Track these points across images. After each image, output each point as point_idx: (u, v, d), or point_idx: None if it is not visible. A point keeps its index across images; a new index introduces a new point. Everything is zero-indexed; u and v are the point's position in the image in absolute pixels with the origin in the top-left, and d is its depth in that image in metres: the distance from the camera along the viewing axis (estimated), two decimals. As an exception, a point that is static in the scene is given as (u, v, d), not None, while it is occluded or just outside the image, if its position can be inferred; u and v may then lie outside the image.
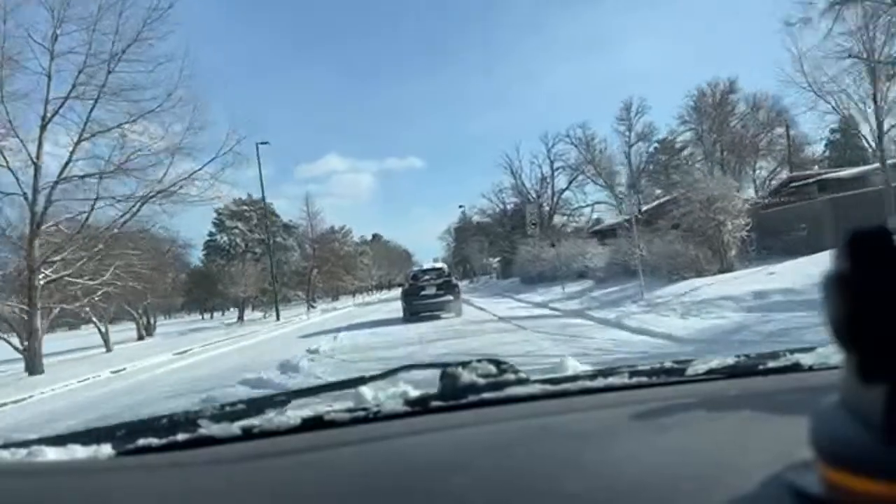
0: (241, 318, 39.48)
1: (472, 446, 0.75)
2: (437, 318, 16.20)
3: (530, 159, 55.14)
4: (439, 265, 19.65)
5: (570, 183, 41.31)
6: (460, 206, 59.58)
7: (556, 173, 43.08)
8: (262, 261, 42.46)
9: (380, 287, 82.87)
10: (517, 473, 0.62)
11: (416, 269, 20.34)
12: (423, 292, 16.92)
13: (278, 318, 28.31)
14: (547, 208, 41.94)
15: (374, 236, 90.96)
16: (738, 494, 0.47)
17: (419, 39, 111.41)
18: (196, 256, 41.13)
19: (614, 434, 0.73)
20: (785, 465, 0.45)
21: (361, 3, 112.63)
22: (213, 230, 43.87)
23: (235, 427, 0.88)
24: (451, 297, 16.57)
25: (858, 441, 0.34)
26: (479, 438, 0.78)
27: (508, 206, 47.03)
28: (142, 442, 0.86)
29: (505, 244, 42.75)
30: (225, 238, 42.81)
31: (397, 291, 60.89)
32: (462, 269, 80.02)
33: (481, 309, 18.53)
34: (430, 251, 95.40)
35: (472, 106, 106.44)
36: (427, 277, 17.70)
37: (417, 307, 16.65)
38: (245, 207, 42.61)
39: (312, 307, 48.65)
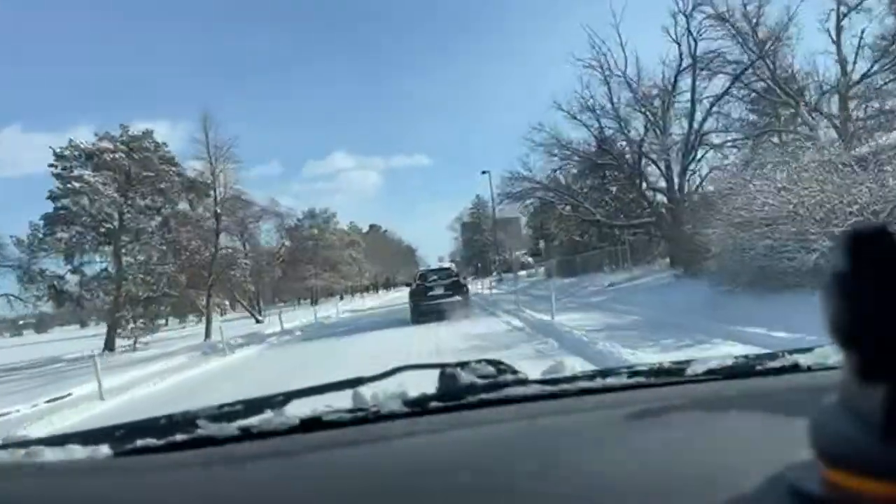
0: (109, 347, 21.60)
1: (470, 447, 0.74)
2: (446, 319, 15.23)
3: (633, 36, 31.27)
4: (447, 265, 20.28)
5: (732, 85, 20.78)
6: (484, 172, 40.34)
7: (699, 67, 20.43)
8: (142, 244, 23.98)
9: (375, 287, 65.68)
10: (516, 474, 0.62)
11: (423, 269, 20.30)
12: (430, 293, 16.65)
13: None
14: (677, 140, 20.07)
15: (372, 227, 74.59)
16: (738, 495, 0.47)
17: (429, 35, 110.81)
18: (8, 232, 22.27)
19: (613, 435, 0.73)
20: (785, 465, 0.45)
21: (370, 3, 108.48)
22: (57, 188, 24.28)
23: (233, 427, 0.87)
24: (459, 298, 16.39)
25: (858, 441, 0.34)
26: (477, 439, 0.77)
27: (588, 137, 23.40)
28: (140, 442, 0.85)
29: (602, 200, 23.06)
30: (77, 201, 23.16)
31: (396, 294, 41.33)
32: (478, 266, 62.86)
33: None
34: (437, 247, 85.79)
35: (481, 103, 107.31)
36: (435, 278, 17.44)
37: (425, 308, 16.23)
38: (107, 146, 23.18)
39: (259, 321, 29.99)
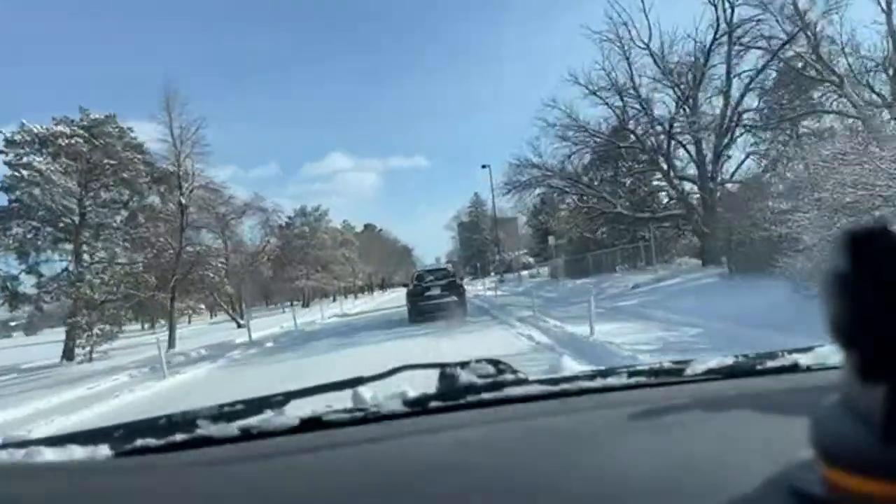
0: (68, 356, 19.22)
1: (470, 446, 0.74)
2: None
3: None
4: (444, 266, 21.13)
5: (773, 58, 17.84)
6: (484, 166, 38.14)
7: (734, 38, 17.77)
8: (104, 241, 21.36)
9: (369, 288, 63.37)
10: (516, 474, 0.62)
11: (420, 269, 20.48)
12: (427, 293, 16.89)
13: None
14: (710, 121, 18.09)
15: (367, 226, 72.29)
16: (738, 494, 0.47)
17: (429, 35, 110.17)
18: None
19: (613, 434, 0.73)
20: (785, 465, 0.45)
21: (370, 3, 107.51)
22: (5, 178, 21.38)
23: (233, 427, 0.87)
24: (455, 298, 16.60)
25: (858, 441, 0.34)
26: (477, 439, 0.77)
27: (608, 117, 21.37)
28: (140, 442, 0.85)
29: (616, 193, 20.18)
30: (30, 192, 20.46)
31: (392, 295, 38.70)
32: (476, 266, 60.52)
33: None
34: (434, 247, 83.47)
35: (480, 103, 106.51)
36: (432, 278, 17.74)
37: (422, 308, 16.54)
38: (63, 130, 20.49)
39: (241, 325, 27.59)
